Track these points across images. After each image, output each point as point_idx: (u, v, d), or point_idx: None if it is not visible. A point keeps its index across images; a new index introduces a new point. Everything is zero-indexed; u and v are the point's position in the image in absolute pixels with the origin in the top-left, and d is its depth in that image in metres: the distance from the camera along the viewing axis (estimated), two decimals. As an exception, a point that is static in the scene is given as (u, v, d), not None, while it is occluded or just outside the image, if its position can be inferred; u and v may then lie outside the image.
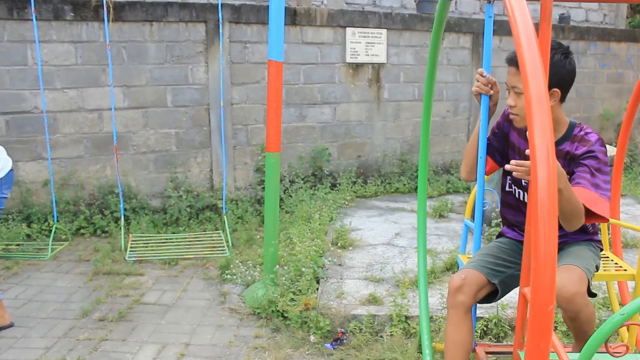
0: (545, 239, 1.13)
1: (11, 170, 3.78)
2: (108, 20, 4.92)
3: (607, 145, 2.67)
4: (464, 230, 3.35)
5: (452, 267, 4.56)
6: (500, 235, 2.89)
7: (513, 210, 2.74)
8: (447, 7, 2.45)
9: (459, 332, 2.53)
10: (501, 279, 2.58)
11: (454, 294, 2.53)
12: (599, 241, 2.73)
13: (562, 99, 2.39)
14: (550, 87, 2.26)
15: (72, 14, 5.78)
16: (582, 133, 2.44)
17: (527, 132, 1.18)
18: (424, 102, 3.00)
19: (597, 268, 2.61)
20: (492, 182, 5.04)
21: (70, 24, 5.83)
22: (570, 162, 2.43)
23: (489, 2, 2.24)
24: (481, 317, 3.63)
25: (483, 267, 2.58)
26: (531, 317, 1.18)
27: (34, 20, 4.25)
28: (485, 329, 3.62)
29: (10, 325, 3.92)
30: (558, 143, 2.46)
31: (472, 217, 2.85)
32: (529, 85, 1.13)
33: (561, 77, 2.33)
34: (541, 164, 1.13)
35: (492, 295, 2.62)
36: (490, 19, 2.19)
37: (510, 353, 2.90)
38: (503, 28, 7.65)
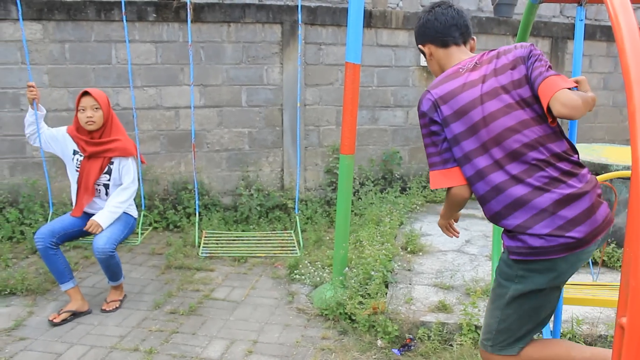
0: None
1: None
2: (190, 22, 5.06)
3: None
4: None
5: (525, 278, 4.42)
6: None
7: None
8: (534, 11, 2.38)
9: None
10: None
11: None
12: (510, 236, 2.15)
13: (444, 45, 2.35)
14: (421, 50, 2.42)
15: (154, 15, 5.97)
16: None
17: (630, 144, 1.09)
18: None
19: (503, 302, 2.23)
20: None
21: (152, 24, 6.03)
22: None
23: (580, 5, 2.14)
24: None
25: None
26: (627, 345, 1.10)
27: (125, 21, 4.43)
28: (559, 344, 3.49)
29: (88, 312, 4.09)
30: None
31: None
32: (633, 94, 1.07)
33: (416, 35, 2.42)
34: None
35: None
36: (582, 22, 2.10)
37: None
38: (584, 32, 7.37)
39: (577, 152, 2.18)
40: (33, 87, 4.11)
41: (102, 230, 3.96)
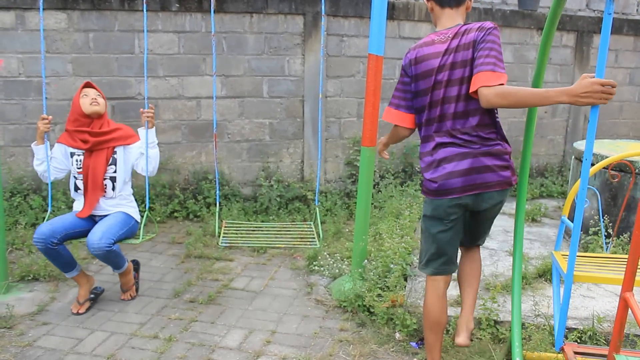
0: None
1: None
2: (214, 12, 5.06)
3: None
4: (560, 228, 3.23)
5: (545, 273, 4.38)
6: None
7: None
8: (562, 3, 2.33)
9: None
10: None
11: None
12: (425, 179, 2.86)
13: (440, 4, 2.79)
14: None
15: (177, 5, 5.99)
16: None
17: None
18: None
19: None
20: (592, 181, 4.81)
21: (175, 14, 6.05)
22: None
23: (610, -2, 2.09)
24: (574, 329, 3.48)
25: None
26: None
27: (145, 11, 4.45)
28: (578, 341, 3.46)
29: (101, 289, 4.18)
30: None
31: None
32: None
33: None
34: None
35: None
36: (610, 16, 2.04)
37: (602, 356, 2.76)
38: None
39: (494, 127, 2.68)
40: (48, 119, 3.99)
41: (153, 126, 4.14)
